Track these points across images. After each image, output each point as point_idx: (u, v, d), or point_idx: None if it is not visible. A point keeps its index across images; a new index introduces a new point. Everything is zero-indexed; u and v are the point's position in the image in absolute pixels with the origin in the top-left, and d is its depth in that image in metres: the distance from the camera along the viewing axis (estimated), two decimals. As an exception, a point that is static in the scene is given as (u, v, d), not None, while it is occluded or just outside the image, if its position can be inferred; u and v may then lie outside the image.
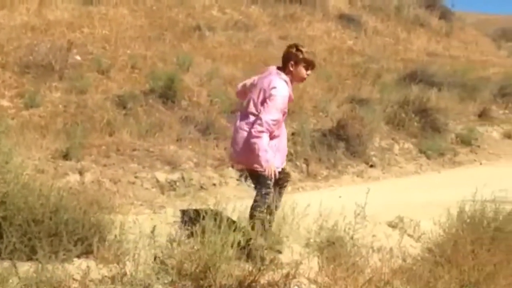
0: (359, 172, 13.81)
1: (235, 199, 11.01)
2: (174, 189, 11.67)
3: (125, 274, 5.21)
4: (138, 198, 11.05)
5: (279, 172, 6.14)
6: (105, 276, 5.22)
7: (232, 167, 11.58)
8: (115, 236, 5.55)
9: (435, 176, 13.87)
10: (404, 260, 6.36)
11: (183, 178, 11.95)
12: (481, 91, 19.46)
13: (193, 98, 15.36)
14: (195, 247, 5.32)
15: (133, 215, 6.93)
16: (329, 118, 15.05)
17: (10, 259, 5.08)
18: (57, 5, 19.55)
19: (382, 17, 26.35)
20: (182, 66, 16.59)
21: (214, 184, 12.22)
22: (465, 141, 16.32)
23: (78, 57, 16.29)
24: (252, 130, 6.07)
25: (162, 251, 5.50)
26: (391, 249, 6.40)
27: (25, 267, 4.98)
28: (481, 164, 15.53)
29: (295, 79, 6.51)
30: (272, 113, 6.14)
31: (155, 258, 5.37)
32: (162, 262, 5.41)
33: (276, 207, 6.03)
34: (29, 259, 5.15)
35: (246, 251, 5.51)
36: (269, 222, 5.79)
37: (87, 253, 5.44)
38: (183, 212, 6.63)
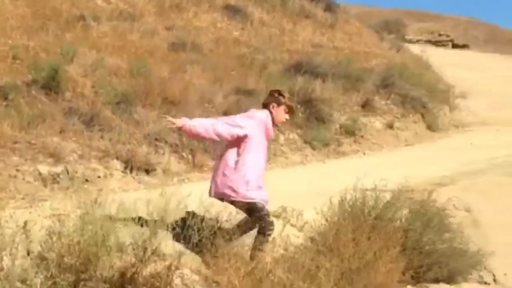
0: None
1: (120, 191, 10.95)
2: (58, 182, 11.43)
3: (1, 269, 5.09)
4: (19, 192, 10.77)
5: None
6: (-19, 271, 5.10)
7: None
8: (-10, 230, 5.41)
9: (320, 166, 14.13)
10: (286, 249, 6.46)
11: (66, 170, 11.73)
12: (364, 82, 19.91)
13: (77, 89, 15.04)
14: (74, 240, 5.25)
15: (11, 209, 6.77)
16: (214, 109, 15.09)
17: None
18: None
19: (268, 8, 26.53)
20: (66, 56, 16.20)
21: (99, 177, 12.07)
22: (349, 131, 16.69)
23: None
24: None
25: (42, 244, 5.40)
26: (274, 238, 6.50)
27: None
28: (364, 154, 15.95)
29: (274, 120, 6.97)
30: (230, 118, 6.83)
31: (28, 253, 5.27)
32: (41, 256, 5.32)
33: None
34: None
35: None
36: None
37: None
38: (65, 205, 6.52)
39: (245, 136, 6.75)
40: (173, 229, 5.83)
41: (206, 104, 15.50)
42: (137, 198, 5.94)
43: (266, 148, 7.02)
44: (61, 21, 19.45)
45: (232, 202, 6.47)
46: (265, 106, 7.09)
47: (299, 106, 15.99)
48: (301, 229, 7.61)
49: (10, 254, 5.11)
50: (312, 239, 7.36)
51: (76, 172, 11.80)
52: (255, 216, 6.42)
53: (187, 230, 5.93)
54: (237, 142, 6.78)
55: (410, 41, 34.38)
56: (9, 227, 5.48)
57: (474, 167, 13.32)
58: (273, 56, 20.79)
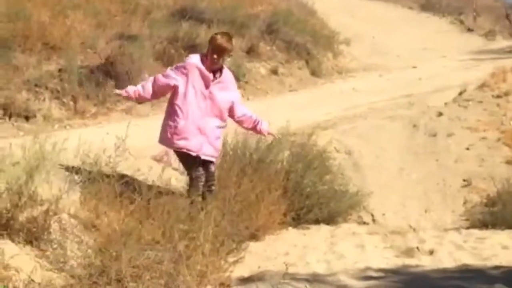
0: (128, 109, 13.78)
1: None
2: None
3: None
4: None
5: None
6: None
7: None
8: None
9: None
10: (167, 193, 6.46)
11: None
12: (250, 28, 19.89)
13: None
14: None
15: None
16: (97, 54, 14.79)
17: None
18: None
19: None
20: None
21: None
22: (234, 76, 16.69)
23: None
24: None
25: None
26: (153, 180, 6.53)
27: None
28: (248, 99, 16.02)
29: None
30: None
31: None
32: None
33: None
34: None
35: None
36: None
37: None
38: None
39: (175, 86, 6.83)
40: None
41: (88, 49, 15.16)
42: (14, 143, 5.80)
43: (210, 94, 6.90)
44: None
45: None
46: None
47: (182, 52, 15.87)
48: (183, 173, 7.58)
49: None
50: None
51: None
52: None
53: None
54: (174, 92, 6.89)
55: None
56: None
57: (355, 112, 13.65)
58: (157, 1, 20.47)
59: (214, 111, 6.92)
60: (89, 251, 5.27)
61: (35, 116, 12.34)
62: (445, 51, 26.86)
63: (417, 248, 7.22)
